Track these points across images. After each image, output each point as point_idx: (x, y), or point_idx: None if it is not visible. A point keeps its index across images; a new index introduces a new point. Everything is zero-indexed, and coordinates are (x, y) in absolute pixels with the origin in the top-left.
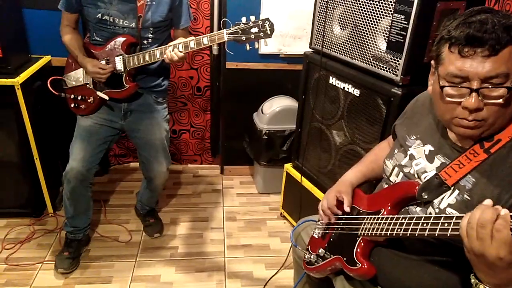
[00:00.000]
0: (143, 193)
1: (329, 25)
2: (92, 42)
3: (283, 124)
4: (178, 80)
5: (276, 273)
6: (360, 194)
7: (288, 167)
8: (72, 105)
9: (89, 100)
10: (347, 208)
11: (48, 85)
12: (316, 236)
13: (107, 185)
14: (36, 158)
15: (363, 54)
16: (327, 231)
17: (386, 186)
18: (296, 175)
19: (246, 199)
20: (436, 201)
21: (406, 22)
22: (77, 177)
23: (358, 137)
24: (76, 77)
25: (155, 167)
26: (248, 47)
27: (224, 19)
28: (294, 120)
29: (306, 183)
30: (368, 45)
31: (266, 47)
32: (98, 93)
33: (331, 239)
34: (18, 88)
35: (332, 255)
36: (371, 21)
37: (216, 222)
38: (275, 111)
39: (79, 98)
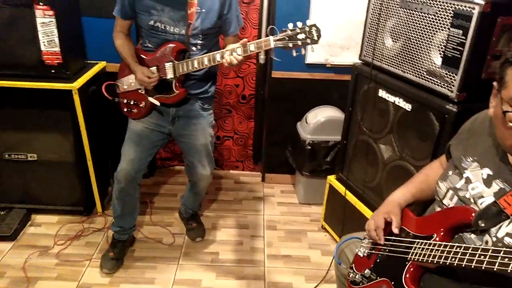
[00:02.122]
0: (187, 196)
1: (380, 37)
2: (144, 48)
3: (327, 134)
4: (224, 88)
5: (316, 286)
6: (409, 215)
7: (332, 179)
8: (125, 109)
9: (140, 105)
10: (395, 230)
11: (103, 90)
12: (361, 255)
13: (153, 187)
14: (89, 159)
15: (416, 67)
16: (373, 251)
17: (438, 209)
18: (340, 188)
19: (287, 208)
20: (493, 230)
21: (463, 37)
22: (127, 178)
23: (407, 153)
24: (129, 82)
25: (199, 171)
26: (295, 54)
27: (272, 26)
28: (339, 131)
29: (351, 197)
30: (421, 59)
31: (312, 56)
32: (150, 98)
33: (378, 260)
34: (75, 93)
35: (378, 277)
36: (425, 34)
37: (257, 230)
38: (319, 121)
39: (131, 102)
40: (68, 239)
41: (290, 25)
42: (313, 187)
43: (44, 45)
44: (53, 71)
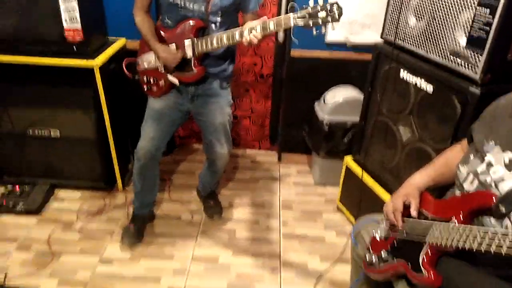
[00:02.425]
0: (205, 174)
1: (403, 15)
2: (163, 25)
3: (345, 115)
4: (242, 66)
5: (331, 266)
6: (428, 198)
7: (349, 160)
8: (145, 87)
9: (160, 83)
10: (414, 213)
11: (124, 67)
12: (378, 237)
13: (171, 165)
14: (110, 136)
15: (440, 48)
16: (391, 233)
17: (458, 193)
18: (357, 169)
19: (303, 188)
20: None
21: (490, 17)
22: (147, 155)
23: (427, 135)
24: (148, 59)
25: (217, 149)
26: (315, 32)
27: (292, 2)
28: (357, 111)
29: (367, 179)
30: (446, 38)
31: (332, 35)
32: (169, 76)
33: (395, 242)
34: (96, 71)
35: (395, 259)
36: (450, 13)
37: (273, 209)
38: (338, 101)
39: (151, 80)
40: (90, 215)
41: (311, 2)
42: (329, 168)
43: (66, 21)
44: (74, 47)
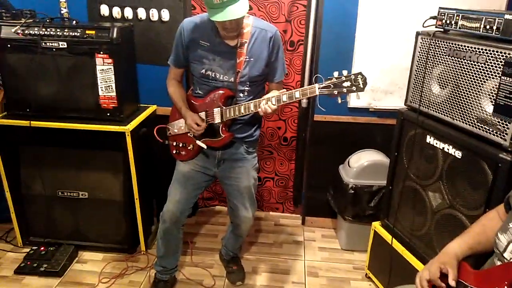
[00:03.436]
0: (229, 238)
1: (427, 83)
2: (194, 94)
3: (371, 179)
4: (266, 130)
5: None
6: (467, 268)
7: (377, 225)
8: (174, 151)
9: (189, 147)
10: (452, 282)
11: (155, 133)
12: None
13: (194, 227)
14: (137, 198)
15: (466, 115)
16: None
17: (499, 263)
18: (386, 235)
19: (329, 254)
20: None
21: None
22: (172, 218)
23: (458, 201)
24: (179, 126)
25: (242, 213)
26: (340, 100)
27: (317, 75)
28: (383, 175)
29: (397, 245)
30: (471, 106)
31: (355, 101)
32: (197, 141)
33: None
34: (128, 135)
35: None
36: (475, 82)
37: (297, 276)
38: (363, 165)
39: (180, 145)
40: (112, 277)
41: (336, 73)
42: (356, 233)
43: (102, 90)
44: (108, 114)
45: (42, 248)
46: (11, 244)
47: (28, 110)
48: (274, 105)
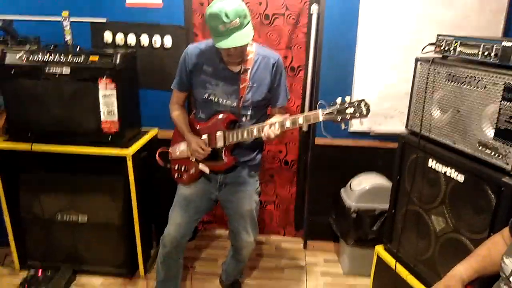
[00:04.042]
0: (229, 263)
1: (427, 108)
2: (197, 118)
3: (373, 202)
4: (267, 153)
5: None
6: None
7: (380, 250)
8: (176, 175)
9: (191, 171)
10: None
11: (157, 157)
12: None
13: (194, 251)
14: (136, 222)
15: (467, 139)
16: None
17: (505, 287)
18: (389, 259)
19: (331, 279)
20: None
21: None
22: (173, 242)
23: (462, 225)
24: (181, 149)
25: (243, 237)
26: (343, 126)
27: (320, 101)
28: (385, 199)
29: (401, 270)
30: (472, 130)
31: (356, 125)
32: (200, 165)
33: None
34: (129, 159)
35: None
36: (475, 106)
37: None
38: (365, 188)
39: (182, 168)
40: None
41: (339, 100)
42: (359, 257)
43: (104, 114)
44: (110, 138)
45: (39, 272)
46: (8, 268)
47: (29, 134)
48: (277, 130)
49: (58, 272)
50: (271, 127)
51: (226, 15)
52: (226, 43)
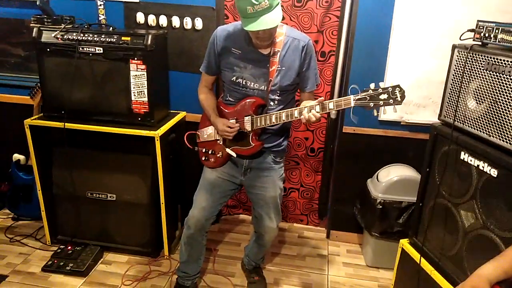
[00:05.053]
0: (252, 247)
1: (462, 98)
2: (225, 101)
3: (400, 195)
4: (293, 140)
5: None
6: None
7: (405, 243)
8: (203, 158)
9: (218, 155)
10: None
11: (185, 139)
12: None
13: (217, 234)
14: (162, 203)
15: (504, 132)
16: None
17: None
18: (414, 254)
19: (353, 270)
20: None
21: None
22: (197, 225)
23: (492, 222)
24: (208, 132)
25: (266, 223)
26: (376, 113)
27: (353, 85)
28: (413, 192)
29: (426, 265)
30: (510, 123)
31: (387, 114)
32: (227, 149)
33: None
34: (157, 140)
35: None
36: None
37: None
38: (392, 180)
39: (209, 152)
40: (135, 280)
41: (372, 85)
42: (382, 250)
43: (134, 95)
44: (139, 118)
45: (69, 247)
46: (40, 242)
47: (62, 112)
48: (318, 112)
49: (86, 249)
50: (311, 110)
51: None
52: (254, 26)
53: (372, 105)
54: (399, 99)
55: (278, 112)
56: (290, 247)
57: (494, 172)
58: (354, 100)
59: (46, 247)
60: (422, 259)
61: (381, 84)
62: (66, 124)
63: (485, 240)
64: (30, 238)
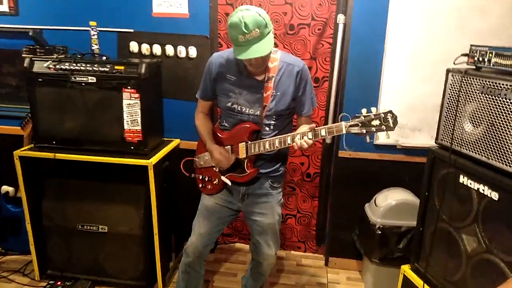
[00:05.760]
0: (249, 277)
1: (459, 121)
2: (221, 127)
3: (399, 219)
4: (289, 166)
5: None
6: None
7: (406, 269)
8: (200, 185)
9: (214, 182)
10: None
11: (181, 167)
12: None
13: (213, 264)
14: (156, 233)
15: (502, 154)
16: None
17: None
18: (417, 280)
19: None
20: None
21: None
22: (195, 252)
23: (496, 246)
24: (205, 159)
25: (264, 250)
26: (368, 140)
27: (343, 113)
28: (412, 216)
29: None
30: (508, 145)
31: (382, 138)
32: (222, 177)
33: None
34: (150, 169)
35: None
36: (511, 120)
37: None
38: (391, 204)
39: (206, 179)
40: None
41: (364, 111)
42: (383, 277)
43: (127, 123)
44: (132, 147)
45: (59, 283)
46: (28, 277)
47: (54, 142)
48: (310, 139)
49: (77, 284)
50: (303, 136)
51: (246, 26)
52: (245, 54)
53: (364, 132)
54: (391, 125)
55: (272, 138)
56: (289, 276)
57: (495, 195)
58: (345, 127)
59: (34, 283)
60: (425, 285)
61: (373, 110)
62: (56, 154)
63: (489, 265)
64: (17, 273)
